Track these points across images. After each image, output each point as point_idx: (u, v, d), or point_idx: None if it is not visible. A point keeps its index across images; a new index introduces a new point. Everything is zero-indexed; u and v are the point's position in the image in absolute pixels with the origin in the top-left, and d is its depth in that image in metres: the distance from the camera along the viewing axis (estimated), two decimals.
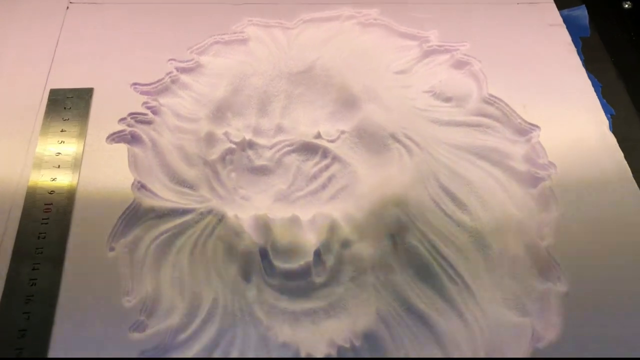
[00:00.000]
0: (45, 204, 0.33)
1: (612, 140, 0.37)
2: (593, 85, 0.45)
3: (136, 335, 0.29)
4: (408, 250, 0.33)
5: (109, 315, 0.29)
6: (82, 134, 0.36)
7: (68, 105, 0.37)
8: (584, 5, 0.50)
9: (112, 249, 0.32)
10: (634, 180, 0.36)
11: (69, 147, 0.35)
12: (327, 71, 0.40)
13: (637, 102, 0.45)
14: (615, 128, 0.43)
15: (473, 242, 0.34)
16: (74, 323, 0.29)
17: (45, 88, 0.38)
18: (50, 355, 0.28)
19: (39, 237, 0.31)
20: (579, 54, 0.48)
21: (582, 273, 0.32)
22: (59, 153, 0.35)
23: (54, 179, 0.34)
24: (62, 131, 0.36)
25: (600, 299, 0.31)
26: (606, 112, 0.44)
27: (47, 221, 0.32)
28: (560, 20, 0.44)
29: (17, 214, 0.32)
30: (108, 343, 0.29)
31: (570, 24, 0.49)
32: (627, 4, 0.51)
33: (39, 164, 0.34)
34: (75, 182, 0.34)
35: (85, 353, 0.28)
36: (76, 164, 0.34)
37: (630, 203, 0.34)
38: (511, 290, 0.32)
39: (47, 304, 0.29)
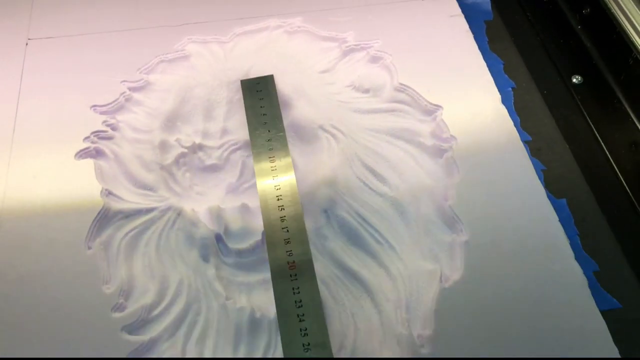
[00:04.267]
0: None
1: (503, 112, 0.44)
2: (495, 63, 0.52)
3: (117, 314, 0.35)
4: (339, 222, 0.40)
5: (93, 301, 0.35)
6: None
7: None
8: None
9: (89, 248, 0.38)
10: (522, 145, 0.43)
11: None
12: None
13: (534, 75, 0.52)
14: (516, 98, 0.50)
15: (393, 208, 0.41)
16: (64, 309, 0.35)
17: (15, 119, 0.43)
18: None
19: None
20: (483, 36, 0.55)
21: (478, 225, 0.39)
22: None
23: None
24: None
25: (494, 245, 0.38)
26: (507, 85, 0.51)
27: None
28: (459, 11, 0.51)
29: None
30: (94, 323, 0.35)
31: (475, 10, 0.56)
32: None
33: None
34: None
35: (75, 334, 0.34)
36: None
37: (519, 165, 0.42)
38: (425, 244, 0.39)
39: None
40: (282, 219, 0.39)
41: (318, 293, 0.36)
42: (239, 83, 0.47)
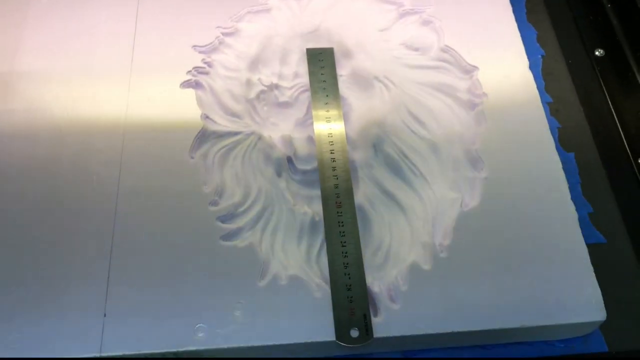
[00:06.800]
0: None
1: (530, 76, 0.53)
2: (529, 33, 0.60)
3: (213, 208, 0.47)
4: (384, 155, 0.50)
5: (194, 197, 0.47)
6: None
7: None
8: None
9: (192, 157, 0.49)
10: (541, 105, 0.52)
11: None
12: (329, 31, 0.56)
13: (562, 45, 0.60)
14: (544, 64, 0.59)
15: (429, 148, 0.50)
16: (173, 202, 0.47)
17: (133, 53, 0.54)
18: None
19: None
20: (522, 7, 0.63)
21: (496, 166, 0.48)
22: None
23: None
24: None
25: (507, 182, 0.48)
26: (538, 53, 0.60)
27: None
28: None
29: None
30: (196, 213, 0.46)
31: None
32: None
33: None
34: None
35: (181, 221, 0.46)
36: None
37: (537, 122, 0.51)
38: (452, 178, 0.49)
39: None
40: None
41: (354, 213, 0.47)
42: (310, 35, 0.56)
